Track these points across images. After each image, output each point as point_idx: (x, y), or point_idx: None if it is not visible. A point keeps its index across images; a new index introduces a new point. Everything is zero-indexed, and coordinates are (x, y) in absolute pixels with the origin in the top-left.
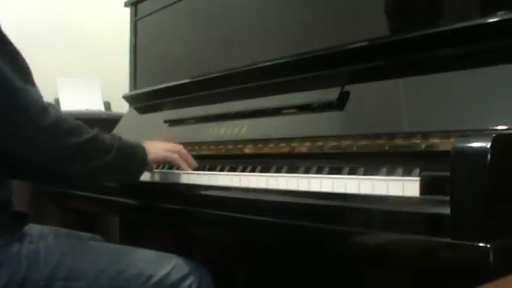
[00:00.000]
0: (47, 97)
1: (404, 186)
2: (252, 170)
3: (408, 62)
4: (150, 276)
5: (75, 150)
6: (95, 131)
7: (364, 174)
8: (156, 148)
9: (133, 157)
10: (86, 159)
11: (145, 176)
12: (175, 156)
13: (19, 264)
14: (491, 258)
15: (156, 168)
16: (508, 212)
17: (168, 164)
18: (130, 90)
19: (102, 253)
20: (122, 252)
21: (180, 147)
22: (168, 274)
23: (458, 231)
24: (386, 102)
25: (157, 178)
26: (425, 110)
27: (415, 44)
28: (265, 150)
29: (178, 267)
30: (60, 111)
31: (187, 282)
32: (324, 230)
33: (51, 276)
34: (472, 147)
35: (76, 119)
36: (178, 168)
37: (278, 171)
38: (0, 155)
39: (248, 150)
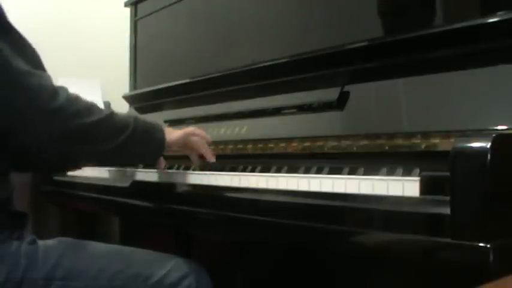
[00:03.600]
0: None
1: (404, 186)
2: (252, 170)
3: (408, 62)
4: (149, 276)
5: (89, 131)
6: (108, 111)
7: (364, 174)
8: (173, 131)
9: (151, 136)
10: (100, 139)
11: (146, 176)
12: (196, 139)
13: (17, 262)
14: (491, 258)
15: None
16: (508, 212)
17: (168, 164)
18: (130, 90)
19: (101, 253)
20: (121, 252)
21: (200, 130)
22: (167, 274)
23: (458, 231)
24: (386, 102)
25: (157, 178)
26: (425, 110)
27: (415, 44)
28: (265, 150)
29: (177, 267)
30: (71, 92)
31: (186, 282)
32: (324, 230)
33: (50, 276)
34: (472, 147)
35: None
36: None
37: (278, 171)
38: (2, 152)
39: (248, 150)
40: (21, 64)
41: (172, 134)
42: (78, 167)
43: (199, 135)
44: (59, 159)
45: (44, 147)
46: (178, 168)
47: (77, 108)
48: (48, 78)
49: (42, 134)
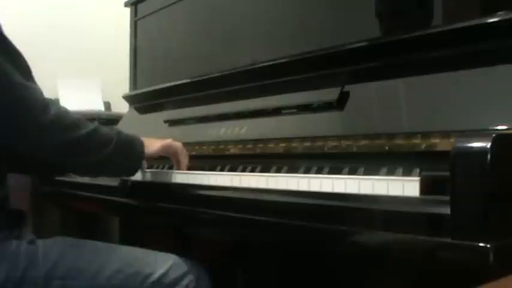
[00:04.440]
0: (47, 97)
1: (404, 186)
2: (252, 170)
3: (408, 62)
4: (149, 275)
5: (75, 144)
6: (94, 124)
7: (364, 174)
8: (152, 142)
9: (132, 150)
10: (85, 152)
11: (146, 176)
12: (171, 151)
13: (17, 262)
14: (491, 258)
15: (156, 167)
16: (508, 212)
17: (168, 164)
18: (130, 90)
19: (101, 252)
20: (120, 251)
21: (176, 143)
22: (166, 273)
23: (458, 231)
24: (386, 102)
25: (157, 178)
26: (425, 110)
27: (415, 44)
28: (265, 150)
29: (177, 266)
30: (60, 106)
31: (186, 281)
32: (324, 230)
33: (50, 275)
34: (472, 147)
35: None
36: (175, 168)
37: (278, 171)
38: None
39: (248, 150)
40: (17, 77)
41: (151, 146)
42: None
43: (174, 147)
44: (49, 168)
45: (36, 157)
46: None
47: (65, 122)
48: (40, 91)
49: (33, 146)
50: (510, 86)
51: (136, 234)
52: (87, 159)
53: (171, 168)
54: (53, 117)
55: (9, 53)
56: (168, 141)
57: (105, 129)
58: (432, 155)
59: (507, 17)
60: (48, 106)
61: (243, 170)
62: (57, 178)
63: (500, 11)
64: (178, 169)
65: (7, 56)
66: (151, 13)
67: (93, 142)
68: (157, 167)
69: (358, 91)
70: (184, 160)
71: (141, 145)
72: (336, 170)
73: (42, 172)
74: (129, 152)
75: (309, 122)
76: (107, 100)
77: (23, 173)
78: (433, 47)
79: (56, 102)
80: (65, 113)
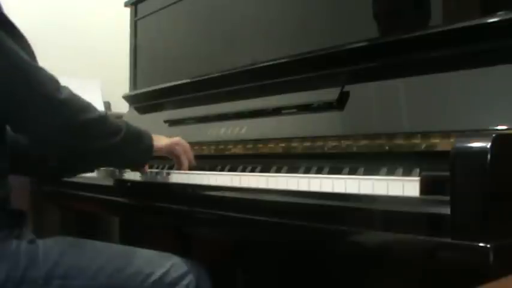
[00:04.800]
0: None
1: (404, 186)
2: (252, 170)
3: (408, 62)
4: (149, 275)
5: (86, 127)
6: (104, 111)
7: (364, 174)
8: (161, 138)
9: (140, 141)
10: (95, 136)
11: (146, 176)
12: (179, 149)
13: (17, 261)
14: (491, 258)
15: (156, 168)
16: (508, 212)
17: (168, 164)
18: (131, 90)
19: (101, 251)
20: (121, 250)
21: (184, 142)
22: (166, 273)
23: (458, 231)
24: (386, 102)
25: (157, 178)
26: (425, 110)
27: (415, 44)
28: (265, 150)
29: (177, 266)
30: (71, 90)
31: (186, 281)
32: (324, 230)
33: (50, 274)
34: (472, 147)
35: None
36: (177, 168)
37: (278, 171)
38: (1, 149)
39: (248, 150)
40: (25, 56)
41: (160, 141)
42: (74, 173)
43: (183, 145)
44: (58, 154)
45: (46, 139)
46: (177, 168)
47: (79, 104)
48: (51, 74)
49: (45, 125)
50: (510, 86)
51: (136, 234)
52: (99, 145)
53: (171, 168)
54: (66, 98)
55: (15, 36)
56: (177, 139)
57: (114, 119)
58: (432, 155)
59: (507, 17)
60: (60, 87)
61: (243, 170)
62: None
63: (500, 11)
64: (179, 169)
65: (14, 38)
66: (151, 13)
67: (104, 128)
68: (157, 167)
69: (358, 91)
70: (185, 162)
71: (150, 139)
72: (336, 170)
73: (43, 172)
74: (137, 144)
75: (309, 122)
76: (107, 100)
77: (26, 174)
78: (433, 47)
79: (67, 87)
80: (77, 96)
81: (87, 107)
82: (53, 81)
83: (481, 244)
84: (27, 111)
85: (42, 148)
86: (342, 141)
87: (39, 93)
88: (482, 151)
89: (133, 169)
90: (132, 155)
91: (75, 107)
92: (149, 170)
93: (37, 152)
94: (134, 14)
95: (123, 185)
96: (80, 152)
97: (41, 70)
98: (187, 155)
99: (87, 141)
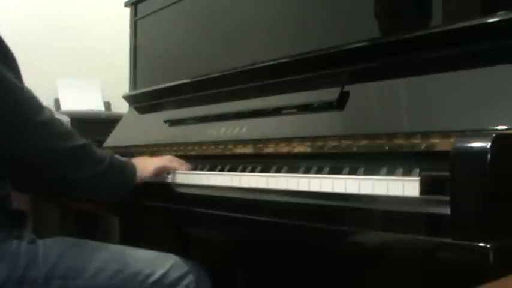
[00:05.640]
0: (47, 97)
1: (404, 186)
2: (252, 170)
3: (408, 62)
4: (149, 275)
5: (68, 153)
6: (88, 141)
7: (364, 174)
8: (145, 164)
9: (124, 171)
10: (77, 164)
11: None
12: (163, 163)
13: (18, 261)
14: (491, 258)
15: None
16: (508, 212)
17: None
18: (130, 90)
19: (101, 252)
20: (121, 251)
21: (172, 158)
22: (166, 273)
23: (458, 231)
24: (386, 102)
25: (157, 178)
26: (425, 110)
27: (415, 44)
28: (265, 150)
29: (177, 267)
30: (54, 114)
31: (186, 281)
32: (324, 230)
33: (50, 275)
34: (472, 147)
35: (76, 118)
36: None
37: (278, 171)
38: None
39: (248, 150)
40: (10, 76)
41: (144, 170)
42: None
43: (171, 165)
44: (42, 178)
45: (27, 161)
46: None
47: (59, 129)
48: (33, 93)
49: (26, 146)
50: (510, 86)
51: (137, 234)
52: (78, 173)
53: None
54: (46, 120)
55: (1, 53)
56: (163, 162)
57: (98, 149)
58: (432, 155)
59: (507, 17)
60: (42, 108)
61: (243, 170)
62: None
63: (500, 11)
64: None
65: (0, 57)
66: (151, 13)
67: (85, 156)
68: None
69: (358, 91)
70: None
71: (133, 169)
72: (336, 170)
73: (43, 189)
74: (121, 175)
75: (309, 122)
76: (107, 100)
77: (26, 192)
78: (433, 47)
79: (49, 109)
80: (59, 121)
81: (69, 133)
82: (33, 102)
83: (481, 244)
84: (7, 131)
85: (26, 170)
86: (342, 141)
87: (19, 113)
88: (482, 151)
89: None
90: (115, 184)
91: (56, 130)
92: None
93: (24, 173)
94: (134, 14)
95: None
96: (62, 177)
97: (23, 91)
98: (180, 167)
99: (69, 167)
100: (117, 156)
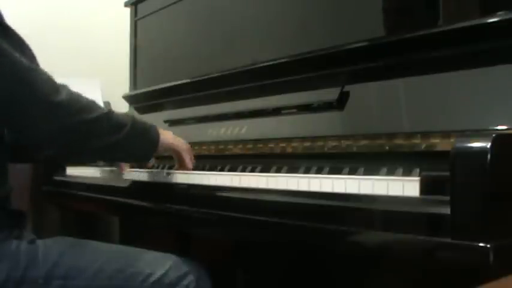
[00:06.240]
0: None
1: (404, 186)
2: (252, 170)
3: (408, 62)
4: (149, 275)
5: (87, 127)
6: (107, 109)
7: (364, 174)
8: (168, 134)
9: (146, 136)
10: (96, 136)
11: (145, 176)
12: (184, 147)
13: (17, 261)
14: (491, 258)
15: (157, 168)
16: (508, 212)
17: (168, 164)
18: (130, 90)
19: (101, 252)
20: (121, 251)
21: (188, 145)
22: (166, 273)
23: (458, 231)
24: (386, 102)
25: (157, 178)
26: (425, 110)
27: (415, 44)
28: (265, 150)
29: (177, 267)
30: (71, 90)
31: (186, 281)
32: (324, 230)
33: (50, 275)
34: (472, 147)
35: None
36: (178, 168)
37: (278, 171)
38: (1, 149)
39: (248, 150)
40: (24, 61)
41: (166, 136)
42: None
43: (187, 145)
44: (58, 153)
45: (44, 143)
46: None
47: (78, 105)
48: (49, 75)
49: (43, 128)
50: (510, 86)
51: (137, 234)
52: (101, 143)
53: (171, 168)
54: (64, 100)
55: (13, 40)
56: (184, 148)
57: (119, 115)
58: (432, 155)
59: (507, 17)
60: (58, 88)
61: (243, 170)
62: (57, 178)
63: (500, 11)
64: (181, 169)
65: (11, 43)
66: (151, 13)
67: (107, 125)
68: (157, 167)
69: (358, 91)
70: (189, 160)
71: (156, 132)
72: (336, 170)
73: (47, 161)
74: (144, 138)
75: (309, 122)
76: (106, 100)
77: (26, 162)
78: (433, 47)
79: (66, 86)
80: (77, 95)
81: (86, 106)
82: (50, 83)
83: (481, 244)
84: (25, 115)
85: (42, 149)
86: (342, 141)
87: (36, 96)
88: (482, 151)
89: (139, 162)
90: (137, 149)
91: (73, 108)
92: (150, 170)
93: (37, 151)
94: (134, 14)
95: (123, 185)
96: (79, 151)
97: (39, 72)
98: (190, 154)
99: (86, 141)
100: (139, 121)
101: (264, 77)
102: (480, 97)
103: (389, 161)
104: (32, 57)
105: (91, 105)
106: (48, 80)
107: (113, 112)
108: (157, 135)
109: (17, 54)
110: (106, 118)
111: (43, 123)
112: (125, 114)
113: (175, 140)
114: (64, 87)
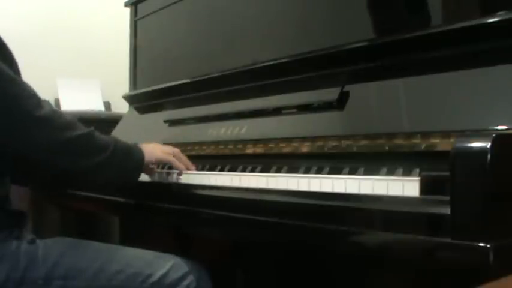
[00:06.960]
0: (47, 97)
1: (404, 186)
2: (252, 170)
3: (408, 62)
4: (149, 276)
5: (69, 145)
6: (90, 129)
7: (364, 174)
8: (153, 149)
9: (130, 157)
10: (79, 154)
11: (146, 176)
12: (171, 158)
13: (17, 262)
14: (491, 258)
15: (157, 168)
16: (508, 212)
17: (168, 164)
18: (130, 90)
19: (101, 252)
20: (121, 251)
21: (177, 150)
22: (166, 274)
23: (458, 231)
24: (386, 102)
25: (157, 178)
26: (425, 110)
27: (415, 44)
28: (265, 150)
29: (177, 267)
30: (53, 107)
31: (186, 281)
32: (324, 230)
33: (50, 275)
34: (472, 147)
35: (76, 118)
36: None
37: (278, 171)
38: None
39: (248, 150)
40: (8, 71)
41: (151, 152)
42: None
43: (177, 155)
44: (43, 173)
45: (28, 157)
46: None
47: (59, 121)
48: (32, 88)
49: (26, 142)
50: (510, 86)
51: (137, 234)
52: (80, 163)
53: (171, 168)
54: (47, 113)
55: (1, 52)
56: (170, 158)
57: (102, 136)
58: (432, 155)
59: (507, 17)
60: (41, 103)
61: (243, 170)
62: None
63: (500, 11)
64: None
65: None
66: (151, 13)
67: (88, 145)
68: (157, 167)
69: (358, 91)
70: (181, 167)
71: (140, 152)
72: (336, 170)
73: (46, 182)
74: (127, 159)
75: (309, 122)
76: (106, 100)
77: (26, 185)
78: (433, 47)
79: (49, 102)
80: (59, 112)
81: (70, 124)
82: (32, 97)
83: (481, 244)
84: (7, 128)
85: (28, 167)
86: (342, 141)
87: (18, 109)
88: (482, 151)
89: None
90: (121, 171)
91: (56, 123)
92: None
93: (24, 170)
94: (134, 14)
95: (123, 185)
96: (65, 170)
97: (21, 85)
98: (183, 162)
99: (72, 159)
100: (122, 141)
101: (264, 76)
102: (480, 97)
103: (389, 161)
104: (14, 64)
105: (73, 123)
106: (32, 95)
107: (95, 132)
108: (141, 153)
109: (3, 66)
110: (88, 137)
111: (25, 136)
112: (108, 136)
113: (160, 155)
114: (47, 102)
